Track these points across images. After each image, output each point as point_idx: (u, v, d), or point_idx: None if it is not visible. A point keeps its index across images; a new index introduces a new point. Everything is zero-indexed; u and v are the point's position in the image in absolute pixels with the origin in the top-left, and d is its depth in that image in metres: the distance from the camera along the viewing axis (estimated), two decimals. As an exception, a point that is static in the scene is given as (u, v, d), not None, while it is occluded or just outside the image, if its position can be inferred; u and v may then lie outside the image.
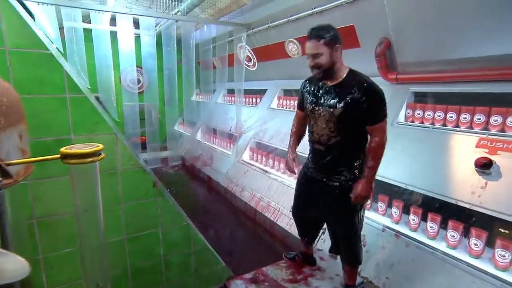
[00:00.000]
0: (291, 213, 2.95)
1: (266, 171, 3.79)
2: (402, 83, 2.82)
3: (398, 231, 2.24)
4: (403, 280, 2.01)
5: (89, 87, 3.31)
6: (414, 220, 2.22)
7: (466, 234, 1.99)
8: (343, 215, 1.77)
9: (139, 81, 5.96)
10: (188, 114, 5.99)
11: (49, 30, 3.03)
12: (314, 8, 3.10)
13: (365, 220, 2.43)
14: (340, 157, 1.69)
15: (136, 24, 4.18)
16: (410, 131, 2.59)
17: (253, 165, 4.10)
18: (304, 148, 2.03)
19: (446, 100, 2.56)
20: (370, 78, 1.61)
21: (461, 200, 2.01)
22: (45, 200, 1.66)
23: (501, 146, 2.00)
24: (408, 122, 2.71)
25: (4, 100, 0.91)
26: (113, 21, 4.01)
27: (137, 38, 4.26)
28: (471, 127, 2.31)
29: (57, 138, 1.64)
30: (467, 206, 1.98)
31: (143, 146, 5.06)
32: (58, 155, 0.98)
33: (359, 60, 3.12)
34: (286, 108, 4.27)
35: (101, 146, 1.03)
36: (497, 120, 2.16)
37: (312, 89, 1.75)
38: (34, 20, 2.76)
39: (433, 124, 2.54)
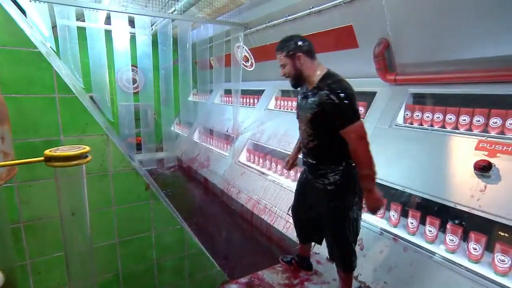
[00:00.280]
0: (288, 215, 2.92)
1: (263, 173, 3.74)
2: (401, 84, 2.79)
3: (396, 235, 2.20)
4: (401, 284, 1.98)
5: (83, 87, 3.26)
6: (412, 223, 2.19)
7: (465, 238, 1.96)
8: (329, 219, 1.77)
9: (134, 81, 5.89)
10: (185, 114, 5.92)
11: (42, 28, 2.97)
12: (312, 7, 3.07)
13: (362, 223, 2.41)
14: (319, 161, 1.72)
15: (132, 23, 4.12)
16: (409, 133, 2.56)
17: (250, 166, 4.06)
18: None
19: (445, 101, 2.53)
20: (344, 80, 1.59)
21: (460, 203, 1.98)
22: (33, 203, 1.61)
23: (501, 148, 1.97)
24: (407, 124, 2.68)
25: (-17, 100, 0.86)
26: (108, 20, 3.95)
27: (133, 37, 4.20)
28: (470, 129, 2.28)
29: (45, 139, 1.59)
30: (466, 209, 1.94)
31: (139, 147, 5.00)
32: (42, 158, 0.95)
33: (357, 61, 3.11)
34: (283, 109, 4.23)
35: (87, 148, 1.00)
36: (496, 122, 2.13)
37: (301, 92, 1.79)
38: (26, 18, 2.70)
39: (432, 126, 2.51)
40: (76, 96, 1.66)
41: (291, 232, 2.25)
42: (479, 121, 2.23)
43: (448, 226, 1.99)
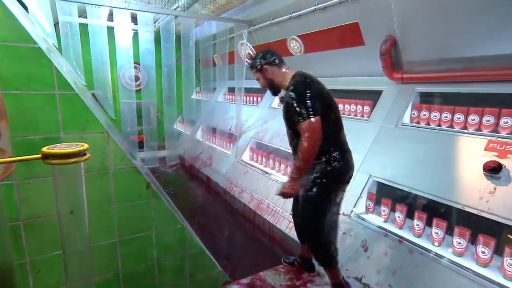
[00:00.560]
0: (291, 215, 2.88)
1: (266, 172, 3.71)
2: (408, 83, 2.73)
3: (401, 237, 2.16)
4: (406, 287, 1.93)
5: (85, 84, 3.24)
6: (418, 225, 2.14)
7: (473, 241, 1.91)
8: (303, 214, 1.84)
9: (137, 78, 5.86)
10: (188, 112, 5.89)
11: (44, 24, 2.95)
12: (317, 4, 3.01)
13: (366, 224, 2.37)
14: None
15: (134, 20, 4.10)
16: (415, 132, 2.50)
17: (253, 165, 4.02)
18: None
19: (453, 100, 2.46)
20: (308, 79, 1.71)
21: (468, 205, 1.93)
22: (32, 201, 1.59)
23: (511, 149, 1.91)
24: (414, 124, 2.62)
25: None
26: (110, 16, 3.93)
27: (135, 34, 4.18)
28: (479, 129, 2.22)
29: (45, 136, 1.57)
30: (475, 211, 1.89)
31: (141, 145, 4.99)
32: (39, 155, 0.92)
33: (363, 59, 3.05)
34: (287, 107, 4.18)
35: (86, 145, 0.98)
36: (507, 122, 2.07)
37: (281, 97, 1.91)
38: (28, 13, 2.68)
39: (439, 125, 2.45)
40: (77, 93, 1.63)
41: (294, 233, 2.22)
42: (489, 120, 2.17)
43: (455, 228, 1.93)
